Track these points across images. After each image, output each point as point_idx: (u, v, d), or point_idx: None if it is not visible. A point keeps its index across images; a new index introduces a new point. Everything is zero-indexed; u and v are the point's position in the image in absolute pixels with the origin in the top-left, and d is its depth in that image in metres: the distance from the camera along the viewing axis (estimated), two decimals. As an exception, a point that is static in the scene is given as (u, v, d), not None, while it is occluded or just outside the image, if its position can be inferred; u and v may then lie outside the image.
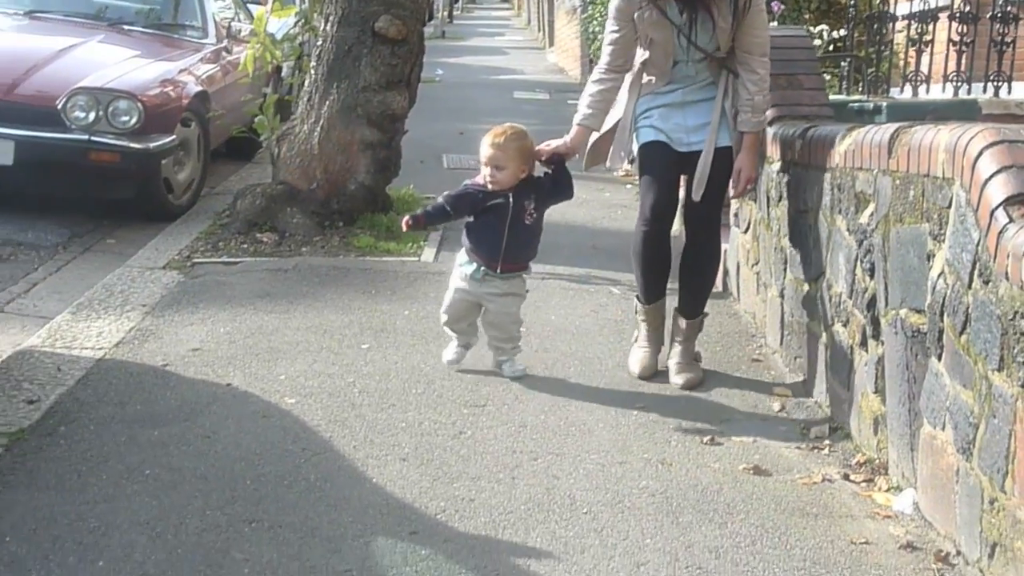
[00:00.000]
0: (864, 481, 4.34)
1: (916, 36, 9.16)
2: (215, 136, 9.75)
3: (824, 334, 5.02)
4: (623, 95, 5.41)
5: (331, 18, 8.10)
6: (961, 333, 3.63)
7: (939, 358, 3.83)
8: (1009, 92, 8.32)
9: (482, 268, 5.34)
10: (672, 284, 5.60)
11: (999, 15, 8.41)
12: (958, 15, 8.85)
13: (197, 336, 5.79)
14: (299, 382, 5.19)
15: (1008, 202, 3.34)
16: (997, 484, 3.39)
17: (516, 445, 4.60)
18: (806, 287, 5.27)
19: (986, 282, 3.45)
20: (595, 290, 6.94)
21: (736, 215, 6.64)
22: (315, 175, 8.05)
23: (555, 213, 8.49)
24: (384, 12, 7.95)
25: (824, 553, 3.79)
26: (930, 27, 9.22)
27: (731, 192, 5.48)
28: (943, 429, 3.79)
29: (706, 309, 5.64)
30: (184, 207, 8.98)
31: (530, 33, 34.98)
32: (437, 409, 4.96)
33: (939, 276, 3.81)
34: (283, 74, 11.01)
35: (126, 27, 10.20)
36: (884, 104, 7.17)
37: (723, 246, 6.68)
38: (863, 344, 4.57)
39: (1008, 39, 8.41)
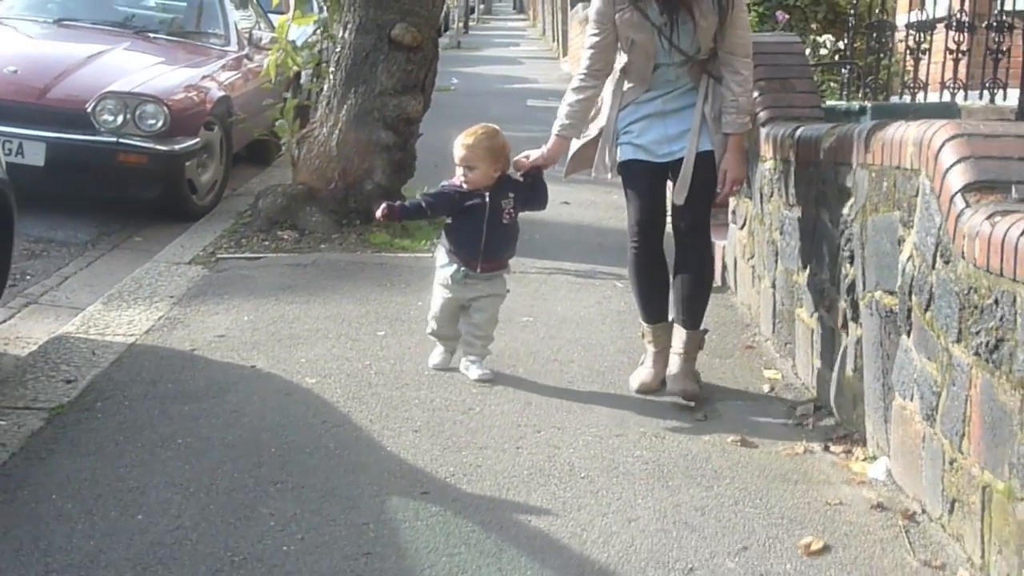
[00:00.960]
0: (843, 452, 4.68)
1: (914, 45, 9.49)
2: (237, 139, 10.13)
3: (810, 319, 5.36)
4: (605, 101, 5.38)
5: (349, 26, 8.46)
6: (926, 310, 3.97)
7: (908, 335, 4.17)
8: (1004, 99, 8.64)
9: (463, 268, 5.44)
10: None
11: (995, 24, 8.74)
12: (955, 24, 9.20)
13: (222, 324, 6.14)
14: (319, 364, 5.54)
15: (965, 189, 3.69)
16: (956, 445, 3.73)
17: (521, 420, 4.94)
18: (795, 277, 5.60)
19: (947, 262, 3.79)
20: (599, 284, 7.27)
21: (734, 212, 6.98)
22: (333, 176, 8.40)
23: (564, 214, 8.95)
24: (400, 20, 8.28)
25: (801, 512, 4.13)
26: (928, 36, 9.58)
27: (719, 193, 5.36)
28: (911, 400, 4.13)
29: (704, 325, 5.51)
30: (207, 207, 9.35)
31: (545, 43, 35.24)
32: (448, 389, 5.30)
33: (908, 259, 4.15)
34: (301, 80, 11.38)
35: (151, 34, 10.62)
36: (869, 105, 7.51)
37: (721, 243, 7.05)
38: (844, 327, 4.91)
39: (1004, 47, 8.73)
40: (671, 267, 5.44)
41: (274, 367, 5.49)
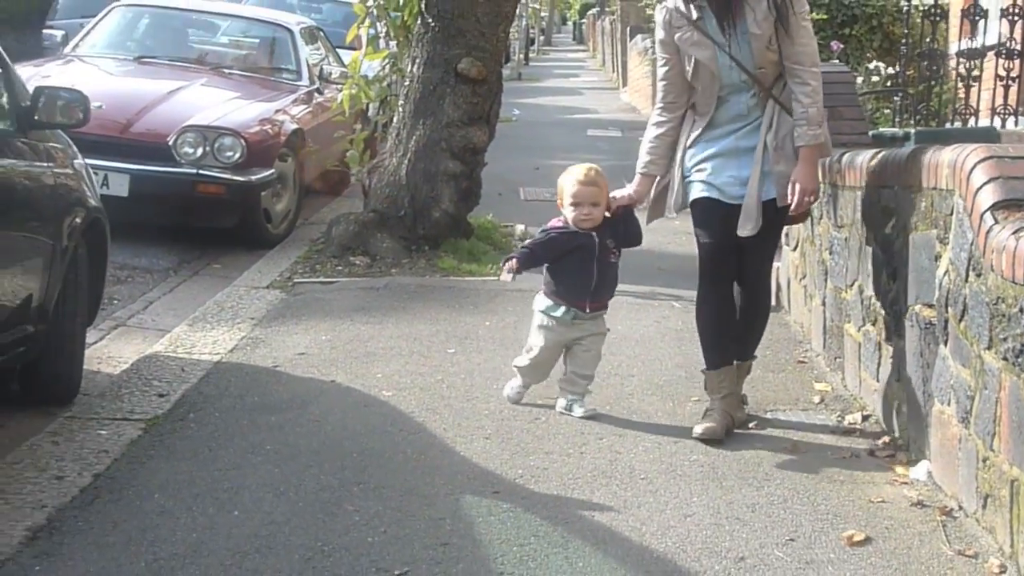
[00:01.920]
0: (887, 457, 4.99)
1: (965, 72, 9.78)
2: (309, 170, 10.55)
3: (857, 334, 5.66)
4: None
5: (417, 60, 8.86)
6: (960, 320, 4.28)
7: (945, 344, 4.48)
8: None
9: (572, 310, 5.43)
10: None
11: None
12: (1004, 52, 9.48)
13: (302, 343, 6.52)
14: (394, 379, 5.90)
15: (994, 207, 4.00)
16: (988, 444, 4.03)
17: (584, 428, 5.28)
18: (843, 294, 5.90)
19: (978, 275, 4.10)
20: (658, 304, 7.61)
21: (787, 235, 7.28)
22: (403, 203, 8.80)
23: (624, 238, 9.22)
24: (466, 55, 8.66)
25: (845, 509, 4.45)
26: (979, 63, 9.85)
27: (791, 207, 5.19)
28: (949, 405, 4.43)
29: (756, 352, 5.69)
30: (281, 236, 9.78)
31: (605, 74, 35.62)
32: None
33: (944, 274, 4.46)
34: (369, 113, 11.79)
35: (226, 70, 11.10)
36: (912, 131, 7.81)
37: (775, 264, 7.34)
38: (888, 339, 5.22)
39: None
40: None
41: (352, 382, 5.85)
